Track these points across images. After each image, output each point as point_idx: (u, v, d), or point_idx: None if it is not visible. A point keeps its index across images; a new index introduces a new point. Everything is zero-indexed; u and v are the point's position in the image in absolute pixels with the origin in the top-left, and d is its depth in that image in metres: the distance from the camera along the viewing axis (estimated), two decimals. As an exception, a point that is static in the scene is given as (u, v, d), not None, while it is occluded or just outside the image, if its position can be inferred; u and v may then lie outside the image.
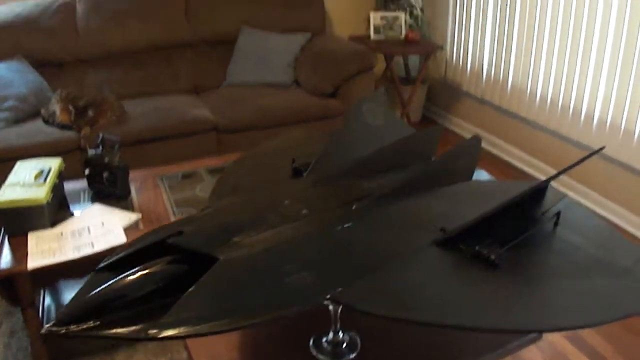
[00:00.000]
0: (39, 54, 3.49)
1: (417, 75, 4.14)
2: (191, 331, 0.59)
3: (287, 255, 0.72)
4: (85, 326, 0.65)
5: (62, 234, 2.16)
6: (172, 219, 2.25)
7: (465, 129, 4.23)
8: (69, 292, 2.63)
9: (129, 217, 2.26)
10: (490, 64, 3.82)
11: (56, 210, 2.30)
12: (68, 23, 3.55)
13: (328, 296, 0.67)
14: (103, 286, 0.68)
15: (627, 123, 2.83)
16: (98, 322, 0.64)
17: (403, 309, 0.71)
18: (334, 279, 0.69)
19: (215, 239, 0.71)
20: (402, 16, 4.03)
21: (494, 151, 3.96)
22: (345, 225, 0.81)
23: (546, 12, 3.26)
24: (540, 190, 1.03)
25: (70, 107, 3.12)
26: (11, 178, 2.29)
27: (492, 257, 0.83)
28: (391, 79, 4.06)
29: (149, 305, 0.66)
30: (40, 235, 2.15)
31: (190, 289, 0.64)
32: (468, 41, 3.98)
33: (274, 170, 1.05)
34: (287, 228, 0.78)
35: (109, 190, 2.43)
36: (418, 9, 4.22)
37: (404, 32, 4.00)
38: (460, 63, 4.12)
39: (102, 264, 0.74)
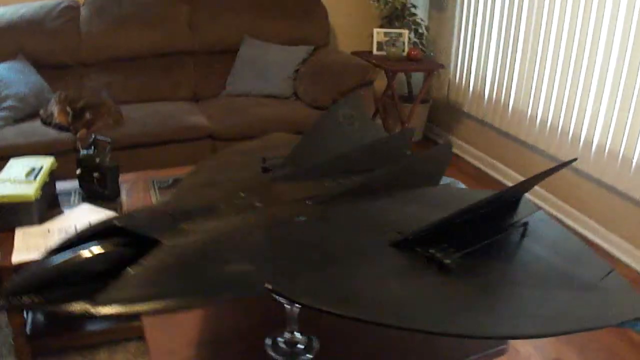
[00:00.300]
0: (41, 56, 3.51)
1: (418, 93, 4.15)
2: (122, 310, 0.58)
3: (231, 244, 0.71)
4: (30, 299, 0.66)
5: (49, 230, 2.17)
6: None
7: (466, 151, 4.23)
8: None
9: (116, 218, 2.26)
10: (492, 86, 3.82)
11: (45, 207, 2.30)
12: (71, 26, 3.57)
13: (268, 286, 0.66)
14: (51, 263, 0.68)
15: (626, 150, 2.82)
16: (43, 298, 0.65)
17: (349, 305, 0.70)
18: (278, 271, 0.68)
19: (163, 224, 0.71)
20: (406, 33, 4.04)
21: (493, 173, 3.95)
22: (297, 219, 0.80)
23: (549, 37, 3.26)
24: (511, 201, 1.02)
25: (68, 109, 3.13)
26: (2, 174, 2.30)
27: (446, 261, 0.82)
28: (392, 96, 4.07)
29: (95, 284, 0.66)
30: (28, 232, 2.15)
31: (127, 270, 0.64)
32: (472, 62, 3.98)
33: (244, 169, 1.04)
34: (237, 219, 0.77)
35: (99, 191, 2.43)
36: (423, 27, 4.23)
37: (406, 49, 4.02)
38: (463, 83, 4.12)
39: (55, 246, 0.74)
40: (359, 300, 0.69)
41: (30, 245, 2.06)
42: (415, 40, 4.19)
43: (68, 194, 2.49)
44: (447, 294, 0.75)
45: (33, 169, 2.33)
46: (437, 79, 4.45)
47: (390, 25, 4.12)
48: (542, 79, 3.36)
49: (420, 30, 4.21)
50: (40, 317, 2.33)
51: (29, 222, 2.19)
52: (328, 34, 4.04)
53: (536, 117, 3.46)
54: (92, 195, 2.45)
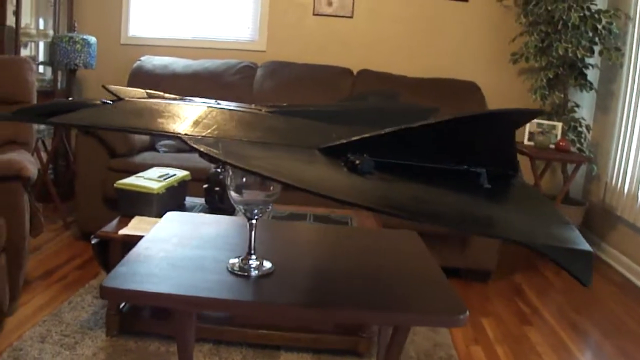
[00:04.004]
0: (216, 103, 3.99)
1: (561, 189, 4.03)
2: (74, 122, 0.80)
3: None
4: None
5: (162, 223, 2.46)
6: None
7: (615, 258, 3.98)
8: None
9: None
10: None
11: (168, 206, 2.61)
12: (246, 82, 4.06)
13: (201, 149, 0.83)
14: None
15: None
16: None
17: (267, 171, 0.84)
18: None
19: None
20: (560, 126, 4.00)
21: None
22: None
23: None
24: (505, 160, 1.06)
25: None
26: (141, 173, 2.67)
27: (357, 162, 0.92)
28: (534, 185, 4.00)
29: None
30: (143, 219, 2.46)
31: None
32: (628, 165, 3.82)
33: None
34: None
35: (219, 205, 2.71)
36: (583, 126, 4.16)
37: (555, 139, 3.95)
38: (619, 187, 3.95)
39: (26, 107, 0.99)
40: (278, 170, 0.83)
41: (139, 227, 2.36)
42: (573, 137, 4.12)
43: (195, 205, 2.80)
44: (348, 181, 0.86)
45: (166, 174, 2.69)
46: (595, 183, 4.30)
47: (549, 119, 4.11)
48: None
49: (579, 129, 4.14)
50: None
51: (149, 213, 2.51)
52: (482, 120, 4.12)
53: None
54: (213, 208, 2.73)
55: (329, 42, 4.49)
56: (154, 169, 2.80)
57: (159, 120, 0.94)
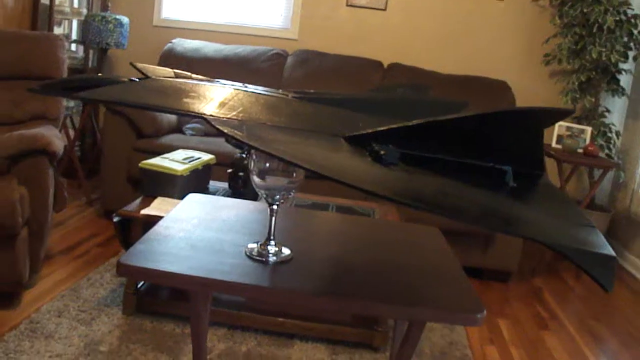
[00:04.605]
0: (245, 89, 3.99)
1: (586, 195, 3.97)
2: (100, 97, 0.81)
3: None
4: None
5: (183, 205, 2.46)
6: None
7: (638, 267, 3.93)
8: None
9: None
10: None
11: (191, 189, 2.62)
12: (276, 70, 4.05)
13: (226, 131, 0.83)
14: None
15: None
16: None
17: (292, 157, 0.83)
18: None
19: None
20: (589, 131, 3.94)
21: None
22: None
23: None
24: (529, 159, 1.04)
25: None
26: (167, 155, 2.68)
27: (382, 152, 0.91)
28: (560, 189, 3.94)
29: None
30: (166, 200, 2.47)
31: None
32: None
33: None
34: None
35: (242, 190, 2.71)
36: (613, 132, 4.10)
37: (584, 144, 3.89)
38: (646, 195, 3.89)
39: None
40: (302, 155, 0.82)
41: (161, 208, 2.37)
42: (602, 143, 4.06)
43: (218, 189, 2.80)
44: (372, 170, 0.85)
45: (191, 157, 2.70)
46: (622, 191, 4.23)
47: (578, 123, 4.05)
48: None
49: (609, 134, 4.08)
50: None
51: (172, 195, 2.52)
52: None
53: None
54: (236, 193, 2.73)
55: (360, 34, 4.47)
56: (180, 151, 2.81)
57: (185, 100, 0.94)
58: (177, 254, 1.06)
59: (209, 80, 1.10)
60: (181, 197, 2.52)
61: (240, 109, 0.93)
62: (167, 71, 1.09)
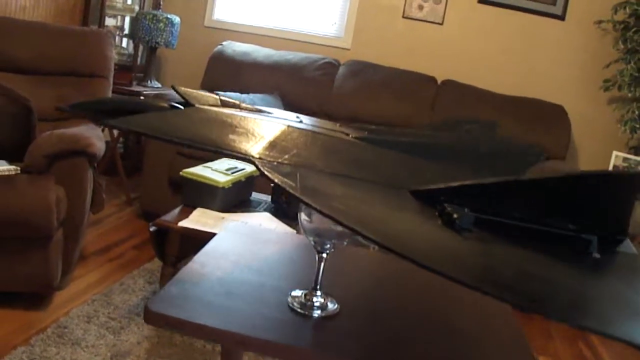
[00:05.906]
0: (293, 98, 3.90)
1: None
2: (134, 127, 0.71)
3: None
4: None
5: (223, 218, 2.38)
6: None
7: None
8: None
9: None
10: None
11: (232, 201, 2.53)
12: (326, 80, 3.95)
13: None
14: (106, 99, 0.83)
15: None
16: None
17: (349, 220, 0.72)
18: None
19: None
20: (649, 164, 3.75)
21: None
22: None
23: None
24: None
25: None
26: (209, 164, 2.60)
27: (455, 215, 0.79)
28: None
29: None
30: (206, 212, 2.39)
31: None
32: None
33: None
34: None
35: (284, 206, 2.61)
36: (676, 167, 3.89)
37: None
38: None
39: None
40: (363, 218, 0.71)
41: (200, 220, 2.29)
42: (663, 177, 3.86)
43: (260, 202, 2.71)
44: (442, 241, 0.74)
45: (235, 167, 2.61)
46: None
47: (636, 153, 3.86)
48: None
49: (671, 168, 3.88)
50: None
51: (212, 207, 2.43)
52: (567, 148, 3.90)
53: None
54: (278, 208, 2.64)
55: (415, 47, 4.33)
56: (223, 160, 2.73)
57: (231, 136, 0.83)
58: (212, 302, 0.96)
59: (259, 111, 1.00)
60: (222, 209, 2.44)
61: (294, 151, 0.83)
62: (212, 98, 0.99)
